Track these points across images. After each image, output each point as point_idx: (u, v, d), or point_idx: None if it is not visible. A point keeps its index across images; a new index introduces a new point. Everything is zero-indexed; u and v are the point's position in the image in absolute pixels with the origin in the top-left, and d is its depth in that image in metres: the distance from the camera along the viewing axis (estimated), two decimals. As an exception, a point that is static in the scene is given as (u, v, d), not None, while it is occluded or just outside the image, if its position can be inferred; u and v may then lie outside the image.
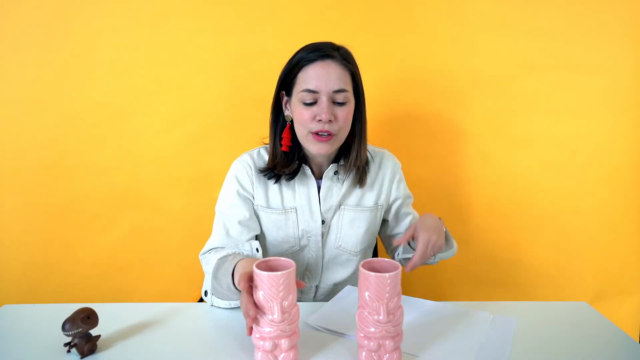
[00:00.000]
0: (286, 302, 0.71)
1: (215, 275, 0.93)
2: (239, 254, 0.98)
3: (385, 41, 1.50)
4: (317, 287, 1.15)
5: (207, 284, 0.99)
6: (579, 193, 1.56)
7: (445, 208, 1.59)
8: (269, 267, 0.75)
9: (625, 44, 1.47)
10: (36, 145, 1.51)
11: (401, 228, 1.19)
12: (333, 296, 1.11)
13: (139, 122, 1.52)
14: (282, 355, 0.74)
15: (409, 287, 1.63)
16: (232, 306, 0.95)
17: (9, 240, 1.50)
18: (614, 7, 1.45)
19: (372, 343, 0.73)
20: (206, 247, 1.10)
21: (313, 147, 1.03)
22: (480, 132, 1.55)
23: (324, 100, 0.99)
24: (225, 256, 0.95)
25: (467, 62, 1.51)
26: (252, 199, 1.11)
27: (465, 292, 1.63)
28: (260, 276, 0.70)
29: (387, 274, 0.70)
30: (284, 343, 0.73)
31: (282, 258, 0.77)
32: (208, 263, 1.01)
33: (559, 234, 1.59)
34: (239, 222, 1.08)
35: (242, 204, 1.09)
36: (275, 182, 1.09)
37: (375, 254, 1.32)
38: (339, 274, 1.15)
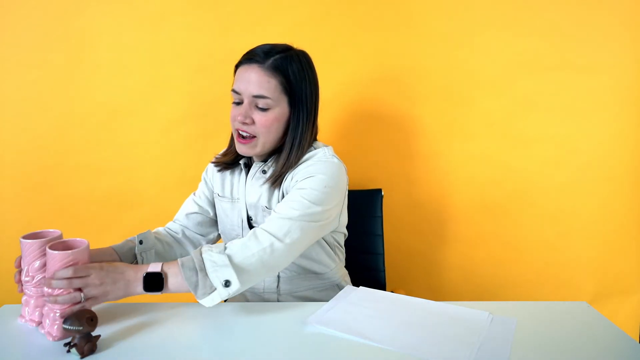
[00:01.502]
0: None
1: None
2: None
3: (384, 41, 1.50)
4: (278, 276, 1.13)
5: None
6: (579, 193, 1.56)
7: (445, 208, 1.59)
8: (66, 246, 0.86)
9: (626, 44, 1.47)
10: (36, 145, 1.51)
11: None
12: (299, 288, 1.13)
13: (138, 122, 1.52)
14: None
15: (409, 287, 1.63)
16: None
17: (9, 240, 1.50)
18: (614, 7, 1.45)
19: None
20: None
21: (237, 147, 1.09)
22: (480, 132, 1.54)
23: (245, 102, 1.04)
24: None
25: (467, 61, 1.51)
26: (212, 187, 1.22)
27: (465, 292, 1.63)
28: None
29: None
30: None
31: (79, 239, 0.88)
32: None
33: (559, 233, 1.59)
34: (192, 195, 1.25)
35: (202, 185, 1.24)
36: (219, 170, 1.18)
37: None
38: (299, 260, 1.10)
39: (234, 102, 1.07)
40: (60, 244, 0.86)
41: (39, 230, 0.91)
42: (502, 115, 1.53)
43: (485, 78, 1.51)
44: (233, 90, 1.06)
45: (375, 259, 1.40)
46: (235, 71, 1.08)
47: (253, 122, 1.04)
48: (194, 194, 1.26)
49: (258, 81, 1.02)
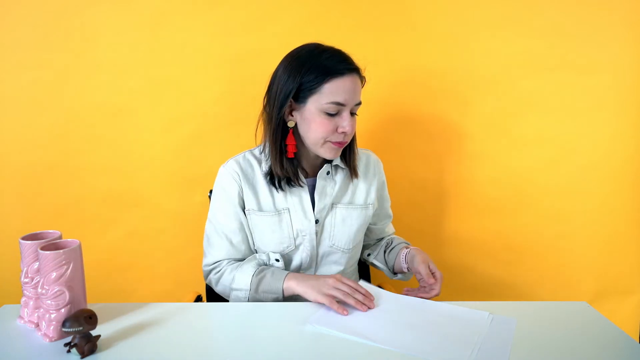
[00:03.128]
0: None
1: (257, 291, 1.03)
2: (264, 264, 1.09)
3: (384, 41, 1.50)
4: None
5: (230, 292, 1.08)
6: (579, 193, 1.56)
7: (445, 208, 1.59)
8: (59, 247, 0.85)
9: (626, 44, 1.47)
10: (36, 145, 1.51)
11: (378, 223, 1.30)
12: None
13: (138, 122, 1.52)
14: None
15: (409, 287, 1.63)
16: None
17: (9, 240, 1.50)
18: (615, 7, 1.45)
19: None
20: (210, 259, 1.13)
21: (329, 154, 1.07)
22: (480, 132, 1.55)
23: (347, 113, 1.03)
24: (257, 271, 1.05)
25: (468, 62, 1.51)
26: (242, 205, 1.12)
27: (465, 292, 1.63)
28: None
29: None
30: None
31: (71, 240, 0.87)
32: (224, 277, 1.09)
33: (559, 234, 1.59)
34: (239, 230, 1.11)
35: (235, 211, 1.11)
36: (275, 186, 1.10)
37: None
38: (332, 270, 1.16)
39: (328, 114, 1.02)
40: (53, 245, 0.85)
41: (38, 231, 0.91)
42: (502, 115, 1.53)
43: (485, 78, 1.51)
44: (335, 103, 1.01)
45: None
46: (320, 81, 1.01)
47: (351, 129, 1.05)
48: (239, 230, 1.11)
49: (359, 89, 1.06)
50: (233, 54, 1.50)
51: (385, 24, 1.50)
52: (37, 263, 0.85)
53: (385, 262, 1.24)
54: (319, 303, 0.95)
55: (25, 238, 0.88)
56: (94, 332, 0.79)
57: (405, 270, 1.15)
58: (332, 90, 1.01)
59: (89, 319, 0.77)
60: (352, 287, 0.96)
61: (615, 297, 1.62)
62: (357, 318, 0.91)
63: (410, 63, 1.52)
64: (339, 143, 1.06)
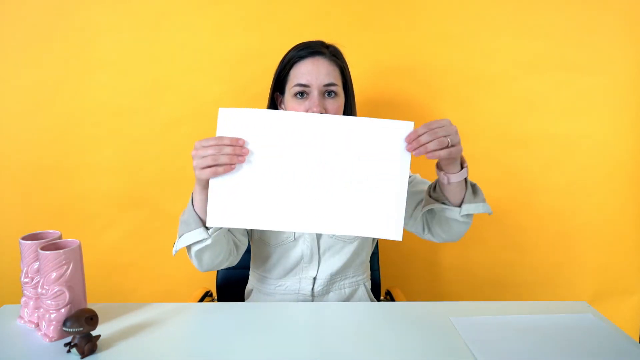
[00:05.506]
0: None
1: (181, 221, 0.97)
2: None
3: (384, 41, 1.50)
4: (314, 278, 1.15)
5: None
6: (579, 193, 1.56)
7: (445, 208, 1.59)
8: (58, 247, 0.85)
9: (625, 44, 1.47)
10: (36, 145, 1.51)
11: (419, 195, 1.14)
12: (331, 288, 1.15)
13: (139, 122, 1.52)
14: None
15: (409, 287, 1.63)
16: (193, 241, 0.95)
17: (9, 240, 1.50)
18: (614, 8, 1.45)
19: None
20: None
21: None
22: (480, 132, 1.54)
23: (315, 94, 1.04)
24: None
25: (467, 61, 1.51)
26: None
27: (464, 292, 1.63)
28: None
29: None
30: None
31: (71, 240, 0.88)
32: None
33: (559, 234, 1.59)
34: None
35: None
36: None
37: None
38: (335, 263, 1.15)
39: (297, 97, 1.05)
40: (53, 245, 0.86)
41: (38, 231, 0.91)
42: (502, 115, 1.53)
43: (485, 78, 1.51)
44: (298, 85, 1.04)
45: (370, 258, 1.39)
46: (287, 70, 1.07)
47: (327, 112, 1.05)
48: None
49: (327, 71, 1.05)
50: (233, 54, 1.50)
51: (385, 24, 1.50)
52: (37, 263, 0.85)
53: (435, 199, 1.06)
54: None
55: (25, 238, 0.88)
56: (94, 332, 0.79)
57: (444, 180, 1.00)
58: (295, 74, 1.06)
59: (90, 319, 0.77)
60: (214, 145, 0.86)
61: (615, 297, 1.62)
62: (258, 195, 0.85)
63: (410, 63, 1.52)
64: None
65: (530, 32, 1.48)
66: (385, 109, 1.55)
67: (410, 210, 1.13)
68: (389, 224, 0.84)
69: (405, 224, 1.10)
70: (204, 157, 0.86)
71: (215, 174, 0.86)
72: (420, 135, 0.87)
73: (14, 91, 1.48)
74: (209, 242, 0.94)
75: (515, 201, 1.58)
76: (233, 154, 0.86)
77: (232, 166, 0.86)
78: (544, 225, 1.58)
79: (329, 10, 1.48)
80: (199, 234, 0.94)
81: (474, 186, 1.03)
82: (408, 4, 1.49)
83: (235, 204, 0.87)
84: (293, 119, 0.87)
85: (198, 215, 0.94)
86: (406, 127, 0.86)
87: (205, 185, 0.89)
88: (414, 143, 0.87)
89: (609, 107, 1.51)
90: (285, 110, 1.09)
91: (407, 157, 0.83)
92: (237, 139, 0.87)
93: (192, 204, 0.95)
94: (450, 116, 1.53)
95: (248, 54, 1.49)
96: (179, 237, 0.97)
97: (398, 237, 0.83)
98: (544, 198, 1.57)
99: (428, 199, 1.07)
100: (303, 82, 1.04)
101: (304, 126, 0.86)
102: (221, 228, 0.95)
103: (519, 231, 1.59)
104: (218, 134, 0.88)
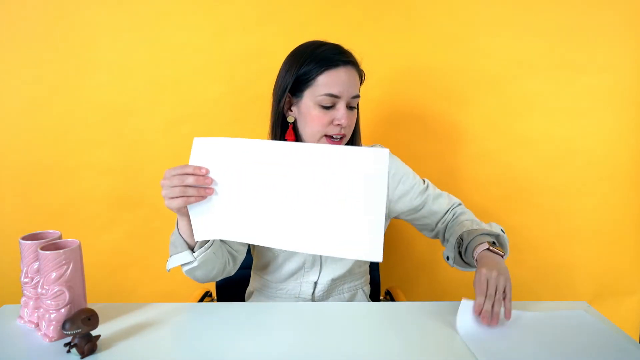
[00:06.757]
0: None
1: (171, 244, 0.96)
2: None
3: (385, 41, 1.50)
4: (315, 283, 1.15)
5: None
6: (579, 193, 1.56)
7: (445, 208, 1.59)
8: (58, 247, 0.84)
9: (626, 44, 1.47)
10: (36, 145, 1.51)
11: (435, 206, 1.16)
12: (332, 293, 1.15)
13: (139, 122, 1.52)
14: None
15: (409, 287, 1.63)
16: (184, 262, 0.95)
17: (9, 240, 1.50)
18: (614, 7, 1.45)
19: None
20: None
21: None
22: (480, 132, 1.54)
23: (343, 105, 1.00)
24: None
25: (468, 62, 1.51)
26: None
27: (464, 292, 1.63)
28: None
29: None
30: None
31: (71, 240, 0.87)
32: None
33: (559, 234, 1.59)
34: None
35: None
36: None
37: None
38: (337, 270, 1.15)
39: (323, 107, 1.00)
40: (53, 245, 0.86)
41: (38, 231, 0.91)
42: (502, 115, 1.53)
43: (485, 78, 1.51)
44: (329, 95, 0.99)
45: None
46: (314, 73, 1.00)
47: (349, 124, 1.03)
48: None
49: (355, 82, 1.03)
50: (233, 54, 1.50)
51: (385, 24, 1.50)
52: (37, 263, 0.85)
53: (467, 264, 1.07)
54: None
55: (25, 238, 0.88)
56: (94, 332, 0.79)
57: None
58: (326, 82, 0.99)
59: (88, 319, 0.77)
60: (178, 174, 0.85)
61: (615, 297, 1.62)
62: (239, 209, 0.85)
63: (411, 63, 1.52)
64: (334, 139, 1.03)
65: (530, 32, 1.48)
66: (385, 109, 1.55)
67: (432, 224, 1.16)
68: (368, 246, 0.82)
69: (422, 231, 1.14)
70: (171, 187, 0.85)
71: (187, 203, 0.85)
72: (483, 305, 0.87)
73: (14, 91, 1.48)
74: (195, 264, 0.95)
75: (515, 201, 1.58)
76: (196, 185, 0.85)
77: (201, 197, 0.85)
78: (543, 225, 1.58)
79: (328, 11, 1.48)
80: (185, 256, 0.94)
81: (503, 245, 1.04)
82: (407, 5, 1.49)
83: (218, 220, 0.88)
84: (269, 148, 0.85)
85: (183, 238, 0.94)
86: (381, 153, 0.80)
87: (183, 213, 0.89)
88: (486, 316, 0.86)
89: (609, 107, 1.51)
90: (300, 115, 1.04)
91: (384, 180, 0.80)
92: (200, 168, 0.86)
93: (178, 227, 0.95)
94: (451, 115, 1.55)
95: (248, 54, 1.49)
96: (170, 257, 0.97)
97: (378, 258, 0.81)
98: (544, 198, 1.57)
99: (458, 259, 1.09)
100: (335, 92, 0.98)
101: (280, 154, 0.84)
102: (209, 248, 0.95)
103: (519, 231, 1.59)
104: (190, 163, 0.87)
